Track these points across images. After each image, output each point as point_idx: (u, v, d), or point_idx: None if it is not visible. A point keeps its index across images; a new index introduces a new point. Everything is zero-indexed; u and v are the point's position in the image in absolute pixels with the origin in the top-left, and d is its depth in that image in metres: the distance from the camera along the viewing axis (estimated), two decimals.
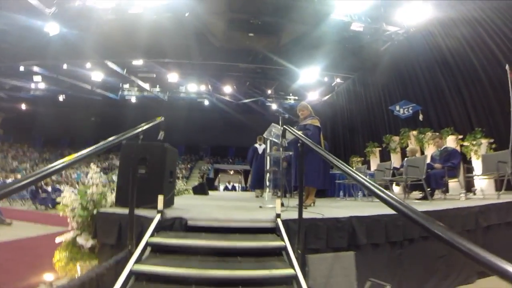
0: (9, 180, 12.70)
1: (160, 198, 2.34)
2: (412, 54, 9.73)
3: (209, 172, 26.40)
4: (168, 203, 2.92)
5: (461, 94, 8.12)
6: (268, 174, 4.04)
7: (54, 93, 23.71)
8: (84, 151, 1.58)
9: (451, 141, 7.35)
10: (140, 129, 2.06)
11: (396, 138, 9.65)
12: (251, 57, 14.95)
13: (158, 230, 2.33)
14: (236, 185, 28.48)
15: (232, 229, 2.41)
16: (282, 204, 3.21)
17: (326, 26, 10.55)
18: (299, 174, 2.31)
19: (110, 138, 1.78)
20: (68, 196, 2.60)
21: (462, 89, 8.07)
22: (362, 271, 2.65)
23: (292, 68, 15.09)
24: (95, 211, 2.63)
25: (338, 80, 16.02)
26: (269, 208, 3.42)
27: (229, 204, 4.16)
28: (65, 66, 17.55)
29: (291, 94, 22.81)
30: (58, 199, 2.67)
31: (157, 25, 11.33)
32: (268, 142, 4.20)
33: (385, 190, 1.45)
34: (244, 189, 25.59)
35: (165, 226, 2.39)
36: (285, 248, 2.18)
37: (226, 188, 24.69)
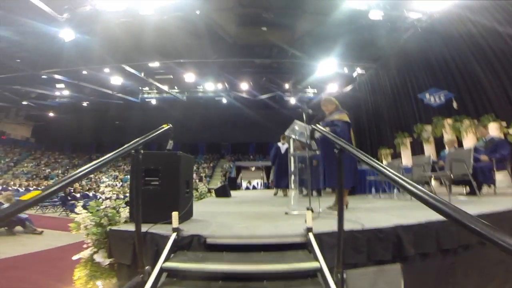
0: (41, 187, 13.18)
1: (175, 215, 2.09)
2: (439, 40, 8.98)
3: (231, 170, 26.39)
4: (187, 215, 2.68)
5: (499, 78, 7.35)
6: (292, 176, 3.71)
7: (77, 100, 24.52)
8: (78, 171, 1.35)
9: (493, 129, 6.66)
10: (142, 140, 1.80)
11: (429, 127, 8.97)
12: (266, 52, 14.59)
13: (174, 250, 2.09)
14: (258, 181, 28.36)
15: (257, 246, 2.12)
16: (312, 210, 2.89)
17: (342, 15, 9.98)
18: (338, 183, 1.96)
19: (108, 155, 1.53)
20: (81, 213, 2.43)
21: (500, 73, 7.30)
22: (410, 284, 2.33)
23: (309, 60, 14.58)
24: (108, 228, 2.44)
25: (359, 70, 15.31)
26: (295, 215, 3.10)
27: (252, 210, 3.88)
28: (84, 72, 17.97)
29: (309, 87, 22.16)
30: (71, 215, 2.50)
31: (169, 25, 11.22)
32: (291, 140, 3.85)
33: (436, 196, 1.19)
34: (266, 185, 25.41)
35: (182, 245, 2.14)
36: (320, 270, 1.86)
37: (247, 188, 24.64)
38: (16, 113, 28.18)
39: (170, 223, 2.38)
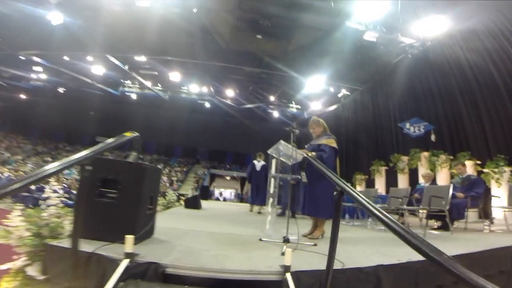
0: None
1: (129, 239, 1.73)
2: (427, 69, 9.18)
3: (204, 177, 25.68)
4: (147, 234, 2.32)
5: (480, 117, 7.60)
6: (270, 199, 3.45)
7: (54, 85, 23.23)
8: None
9: (468, 167, 6.78)
10: (92, 153, 1.46)
11: (405, 158, 9.10)
12: (256, 61, 14.44)
13: (125, 278, 1.73)
14: (232, 191, 27.84)
15: (226, 281, 1.81)
16: (288, 240, 2.64)
17: (339, 33, 10.00)
18: (333, 227, 1.70)
19: (60, 161, 1.20)
20: (15, 220, 2.00)
21: (482, 112, 7.56)
22: None
23: (298, 75, 14.61)
24: (48, 241, 2.03)
25: (345, 91, 15.51)
26: (270, 243, 2.82)
27: (223, 231, 3.53)
28: (66, 58, 17.00)
29: (293, 103, 22.26)
30: (3, 221, 2.07)
31: (164, 21, 10.83)
32: (274, 161, 3.57)
33: (420, 238, 1.24)
34: (240, 196, 24.97)
35: (135, 273, 1.78)
36: None
37: (217, 198, 24.16)
38: None
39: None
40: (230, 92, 20.11)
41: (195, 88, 21.18)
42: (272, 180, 3.50)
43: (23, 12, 11.25)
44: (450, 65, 8.26)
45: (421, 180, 8.06)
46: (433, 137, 8.65)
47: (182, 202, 7.26)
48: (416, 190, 5.65)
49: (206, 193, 13.79)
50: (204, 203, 8.21)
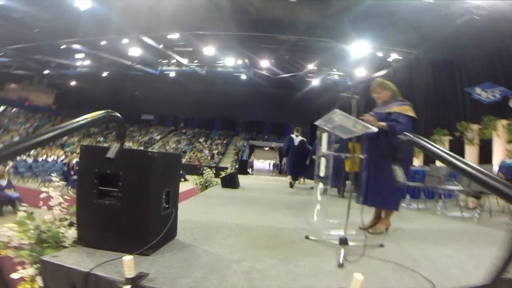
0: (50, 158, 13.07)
1: (127, 262, 1.28)
2: (503, 28, 7.39)
3: (244, 149, 25.81)
4: (166, 238, 1.90)
5: None
6: (320, 185, 2.81)
7: (97, 70, 24.39)
8: None
9: None
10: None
11: (475, 127, 7.70)
12: (292, 28, 13.25)
13: None
14: (271, 162, 27.77)
15: None
16: (346, 241, 2.01)
17: None
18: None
19: None
20: (7, 230, 1.66)
21: None
22: None
23: (341, 41, 13.20)
24: (47, 252, 1.68)
25: (396, 55, 13.77)
26: (320, 243, 2.23)
27: (259, 223, 2.99)
28: (103, 43, 17.45)
29: (334, 70, 20.58)
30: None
31: None
32: (325, 135, 2.80)
33: None
34: (279, 167, 24.75)
35: None
36: None
37: (254, 170, 23.92)
38: (39, 81, 28.66)
39: (142, 254, 1.63)
40: (265, 63, 19.31)
41: (230, 61, 20.76)
42: (323, 160, 2.80)
43: (51, 2, 11.57)
44: None
45: (497, 155, 6.77)
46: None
47: (219, 181, 6.88)
48: (499, 169, 4.54)
49: (244, 168, 13.39)
50: (242, 179, 7.78)
